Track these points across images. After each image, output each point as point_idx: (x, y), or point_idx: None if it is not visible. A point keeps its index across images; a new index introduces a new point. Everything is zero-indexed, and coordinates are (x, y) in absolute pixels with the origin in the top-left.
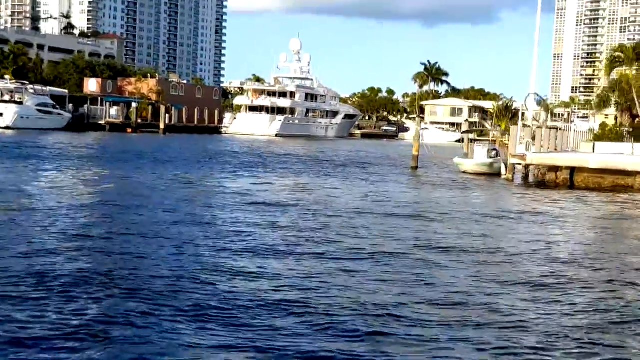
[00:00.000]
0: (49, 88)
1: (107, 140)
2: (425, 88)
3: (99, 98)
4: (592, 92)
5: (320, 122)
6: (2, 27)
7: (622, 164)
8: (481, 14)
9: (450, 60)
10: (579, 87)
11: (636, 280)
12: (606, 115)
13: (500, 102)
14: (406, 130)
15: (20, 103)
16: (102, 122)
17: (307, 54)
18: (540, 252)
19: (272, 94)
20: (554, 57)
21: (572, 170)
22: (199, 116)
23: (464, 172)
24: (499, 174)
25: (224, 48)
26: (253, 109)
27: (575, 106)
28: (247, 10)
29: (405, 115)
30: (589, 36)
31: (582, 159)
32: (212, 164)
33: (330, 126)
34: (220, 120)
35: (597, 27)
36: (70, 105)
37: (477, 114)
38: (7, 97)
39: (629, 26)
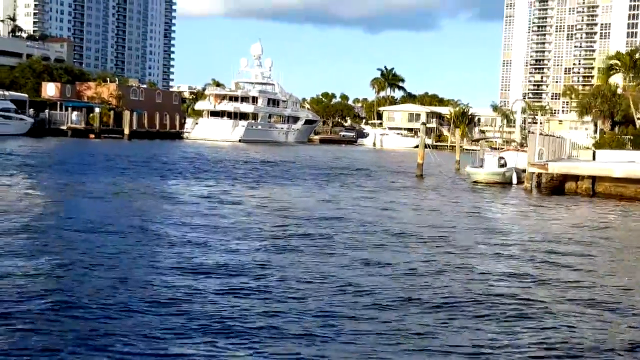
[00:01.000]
0: (8, 92)
1: (76, 146)
2: (382, 93)
3: (58, 103)
4: (541, 98)
5: (282, 128)
6: None
7: None
8: (421, 20)
9: (397, 66)
10: (528, 93)
11: None
12: (583, 121)
13: (457, 108)
14: (365, 135)
15: None
16: (64, 128)
17: (268, 59)
18: None
19: (233, 98)
20: (503, 63)
21: (594, 179)
22: (161, 121)
23: (475, 182)
24: (510, 183)
25: (173, 52)
26: (215, 114)
27: (530, 112)
28: (189, 15)
29: (364, 120)
30: (537, 43)
31: (607, 168)
32: (217, 174)
33: (291, 131)
34: (182, 125)
35: (544, 34)
36: (31, 110)
37: (434, 120)
38: None
39: (575, 33)
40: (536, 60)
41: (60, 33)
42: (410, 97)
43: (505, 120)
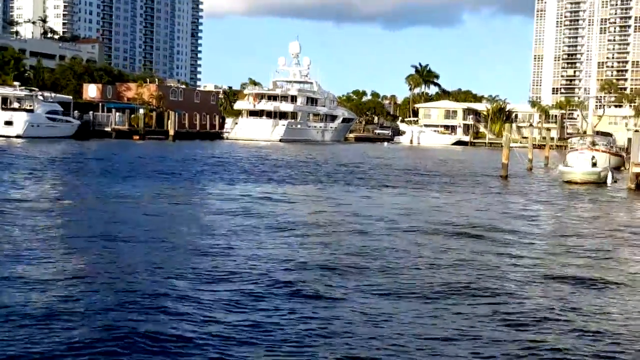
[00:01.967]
0: (54, 94)
1: (128, 148)
2: (417, 90)
3: (100, 104)
4: (573, 92)
5: (320, 126)
6: None
7: None
8: (442, 16)
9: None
10: (560, 88)
11: None
12: (624, 116)
13: (494, 105)
14: (401, 133)
15: (31, 111)
16: (108, 129)
17: (306, 57)
18: None
19: (272, 97)
20: (535, 58)
21: None
22: (201, 121)
23: (568, 182)
24: (604, 183)
25: (200, 51)
26: (254, 113)
27: (571, 107)
28: (208, 14)
29: (397, 118)
30: (569, 37)
31: None
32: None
33: (329, 130)
34: (222, 125)
35: (577, 29)
36: (76, 111)
37: (471, 117)
38: (16, 105)
39: (608, 27)
40: (568, 55)
41: (89, 34)
42: (444, 94)
43: (544, 116)
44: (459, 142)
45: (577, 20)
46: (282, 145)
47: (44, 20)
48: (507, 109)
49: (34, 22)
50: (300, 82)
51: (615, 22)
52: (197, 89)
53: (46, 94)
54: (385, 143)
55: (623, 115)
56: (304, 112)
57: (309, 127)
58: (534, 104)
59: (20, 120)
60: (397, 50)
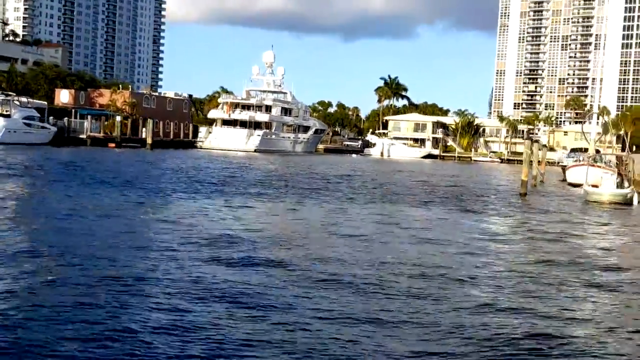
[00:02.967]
0: (30, 100)
1: (112, 156)
2: (385, 103)
3: (73, 110)
4: (535, 108)
5: (293, 137)
6: None
7: None
8: (398, 28)
9: (379, 75)
10: (522, 104)
11: None
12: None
13: (463, 118)
14: (371, 145)
15: (8, 116)
16: (83, 136)
17: (281, 67)
18: None
19: (246, 107)
20: (497, 73)
21: None
22: (174, 129)
23: (594, 202)
24: (629, 204)
25: (162, 58)
26: (227, 122)
27: (539, 122)
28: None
29: (358, 130)
30: (531, 53)
31: None
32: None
33: (301, 141)
34: (195, 134)
35: (539, 45)
36: (51, 118)
37: (440, 130)
38: None
39: (570, 44)
40: (530, 70)
41: (50, 37)
42: (412, 107)
43: (512, 131)
44: (428, 156)
45: (539, 36)
46: (259, 156)
47: (5, 23)
48: (475, 123)
49: None
50: (274, 92)
51: (576, 40)
52: (170, 97)
53: (22, 99)
54: (354, 155)
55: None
56: (279, 122)
57: (282, 137)
58: (501, 118)
59: None
60: (355, 61)
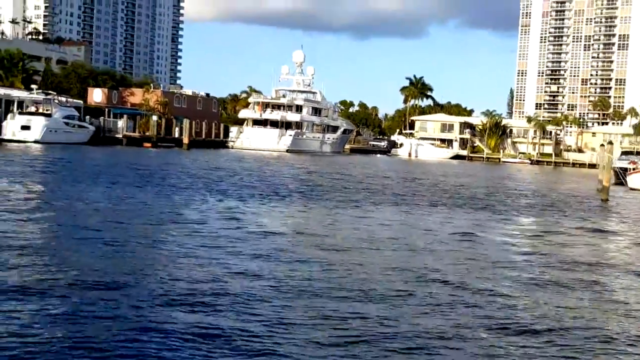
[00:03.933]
0: (69, 99)
1: (162, 157)
2: (411, 103)
3: (106, 109)
4: (557, 108)
5: (322, 137)
6: None
7: None
8: (410, 27)
9: (393, 74)
10: (544, 104)
11: None
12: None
13: (491, 119)
14: (399, 146)
15: (49, 115)
16: (119, 136)
17: (311, 67)
18: None
19: (277, 107)
20: (518, 73)
21: None
22: (205, 129)
23: None
24: None
25: (180, 57)
26: (259, 122)
27: (568, 123)
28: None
29: (380, 130)
30: (553, 53)
31: None
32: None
33: (330, 141)
34: (226, 134)
35: (561, 45)
36: (87, 117)
37: (467, 130)
38: (32, 109)
39: (592, 44)
40: (552, 71)
41: (70, 35)
42: (437, 107)
43: (540, 132)
44: (456, 157)
45: (561, 36)
46: (289, 157)
47: (29, 21)
48: (502, 124)
49: (17, 22)
50: (304, 92)
51: (599, 40)
52: (199, 96)
53: (61, 98)
54: (378, 155)
55: (620, 132)
56: (309, 122)
57: (312, 137)
58: (529, 119)
59: (39, 125)
60: (370, 60)
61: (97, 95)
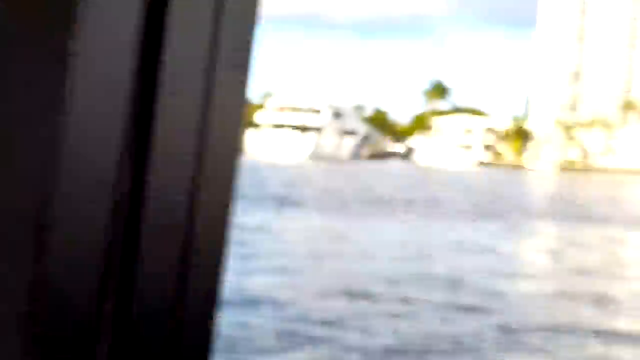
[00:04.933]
0: None
1: None
2: (430, 106)
3: None
4: (578, 110)
5: (343, 142)
6: None
7: None
8: (419, 27)
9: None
10: (565, 106)
11: None
12: None
13: (514, 123)
14: (418, 151)
15: None
16: None
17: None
18: None
19: (296, 110)
20: (538, 75)
21: None
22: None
23: None
24: None
25: None
26: (277, 126)
27: (596, 127)
28: None
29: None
30: (575, 54)
31: None
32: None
33: (350, 146)
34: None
35: (583, 45)
36: None
37: (488, 135)
38: None
39: (615, 45)
40: (574, 72)
41: None
42: (456, 111)
43: (566, 137)
44: (478, 162)
45: (584, 37)
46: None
47: None
48: (525, 128)
49: None
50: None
51: (623, 41)
52: None
53: None
54: (393, 163)
55: None
56: (331, 127)
57: (332, 142)
58: (555, 123)
59: None
60: (376, 62)
61: None
